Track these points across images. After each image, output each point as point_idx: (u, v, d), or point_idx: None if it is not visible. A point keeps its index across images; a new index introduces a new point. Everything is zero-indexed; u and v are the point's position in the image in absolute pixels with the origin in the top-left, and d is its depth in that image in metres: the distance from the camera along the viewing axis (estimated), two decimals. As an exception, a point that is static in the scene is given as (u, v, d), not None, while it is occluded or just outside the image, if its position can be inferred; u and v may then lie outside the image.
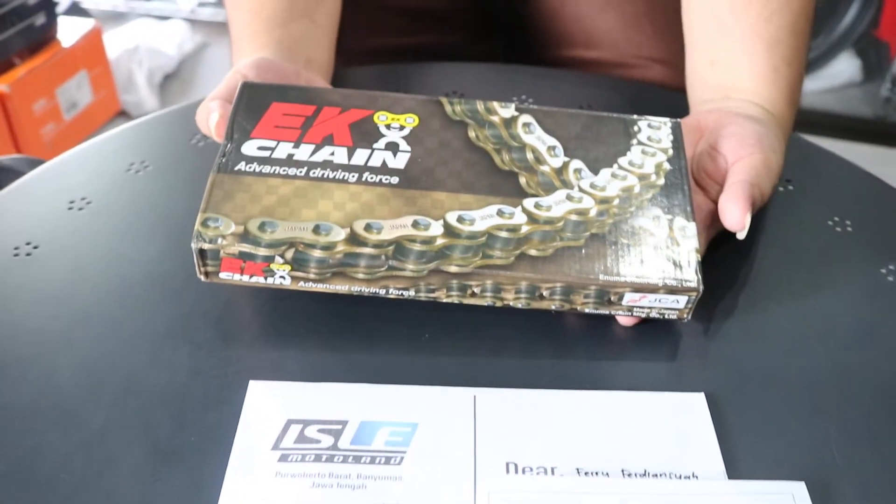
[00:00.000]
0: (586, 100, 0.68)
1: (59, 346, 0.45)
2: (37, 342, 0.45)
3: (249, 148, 0.47)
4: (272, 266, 0.43)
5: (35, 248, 0.52)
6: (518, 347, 0.46)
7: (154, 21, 2.28)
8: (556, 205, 0.46)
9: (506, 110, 0.51)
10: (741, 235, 0.47)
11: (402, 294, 0.45)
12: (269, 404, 0.41)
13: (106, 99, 1.99)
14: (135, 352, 0.45)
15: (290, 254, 0.43)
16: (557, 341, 0.46)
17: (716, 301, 0.49)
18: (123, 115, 2.08)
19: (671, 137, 0.50)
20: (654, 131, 0.51)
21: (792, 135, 0.65)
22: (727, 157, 0.51)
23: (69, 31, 1.87)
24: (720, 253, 0.51)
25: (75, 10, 2.09)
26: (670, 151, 0.49)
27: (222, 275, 0.44)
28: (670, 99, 0.70)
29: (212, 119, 0.50)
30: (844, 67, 2.11)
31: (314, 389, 0.42)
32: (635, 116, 0.51)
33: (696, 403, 0.42)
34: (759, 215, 0.56)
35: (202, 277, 0.45)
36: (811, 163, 0.62)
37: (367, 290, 0.44)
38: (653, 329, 0.47)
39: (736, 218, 0.46)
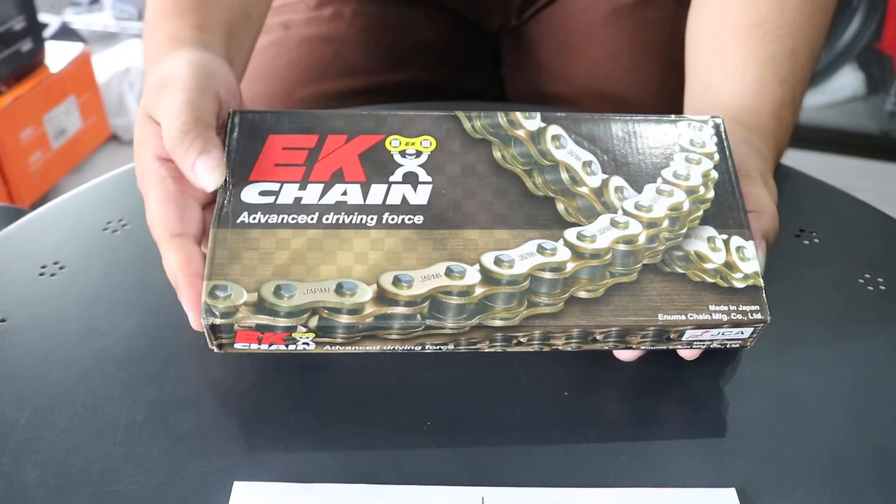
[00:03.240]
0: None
1: (25, 438, 0.41)
2: (-1, 435, 0.41)
3: (250, 194, 0.43)
4: (294, 335, 0.39)
5: (2, 321, 0.48)
6: (530, 436, 0.42)
7: (145, 42, 2.24)
8: (600, 234, 0.42)
9: (531, 122, 0.46)
10: None
11: (440, 349, 0.41)
12: (254, 511, 0.37)
13: (96, 124, 1.95)
14: (108, 445, 0.41)
15: (313, 322, 0.39)
16: (574, 429, 0.42)
17: (741, 378, 0.45)
18: (115, 139, 2.04)
19: (715, 140, 0.47)
20: (695, 133, 0.47)
21: (815, 180, 0.62)
22: None
23: (57, 56, 1.83)
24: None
25: (65, 31, 2.06)
26: (716, 156, 0.46)
27: (238, 345, 0.40)
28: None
29: (210, 179, 0.41)
30: (847, 81, 2.08)
31: (305, 493, 0.38)
32: (674, 117, 0.48)
33: (726, 501, 0.38)
34: (781, 274, 0.52)
35: (215, 349, 0.41)
36: (836, 211, 0.59)
37: (401, 348, 0.41)
38: (676, 414, 0.43)
39: None
